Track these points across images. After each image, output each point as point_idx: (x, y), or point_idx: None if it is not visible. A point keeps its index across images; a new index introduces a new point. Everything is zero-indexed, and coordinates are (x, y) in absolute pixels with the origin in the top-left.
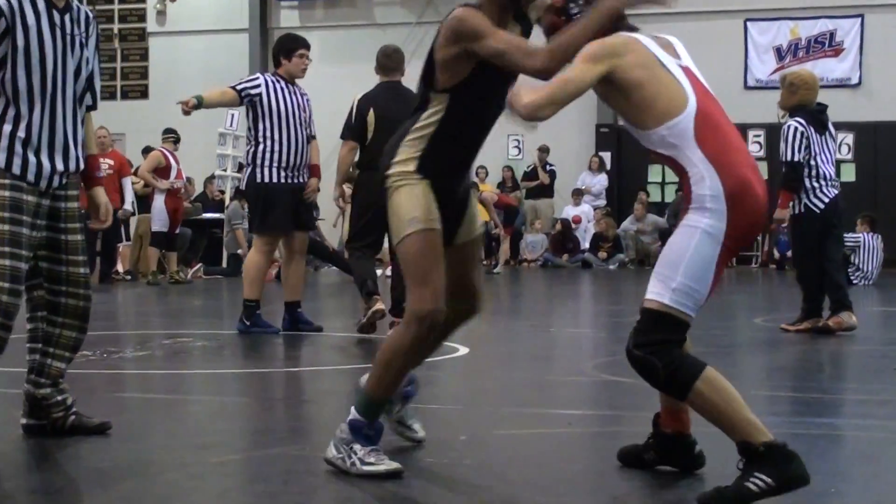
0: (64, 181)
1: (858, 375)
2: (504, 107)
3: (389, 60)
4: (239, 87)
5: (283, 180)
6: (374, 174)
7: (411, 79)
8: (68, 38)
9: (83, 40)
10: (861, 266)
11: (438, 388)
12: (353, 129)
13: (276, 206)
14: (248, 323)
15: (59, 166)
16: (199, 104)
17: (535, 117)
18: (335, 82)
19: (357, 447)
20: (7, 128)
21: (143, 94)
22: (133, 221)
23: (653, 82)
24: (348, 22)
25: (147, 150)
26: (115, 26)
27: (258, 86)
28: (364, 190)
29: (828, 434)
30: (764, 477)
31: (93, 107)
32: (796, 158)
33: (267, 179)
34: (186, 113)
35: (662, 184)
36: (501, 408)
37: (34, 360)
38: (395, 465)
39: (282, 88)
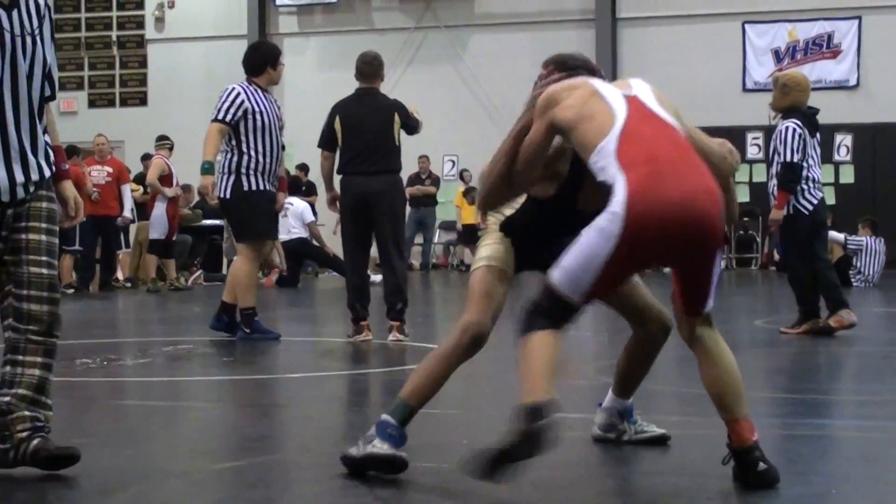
0: (30, 191)
1: (858, 376)
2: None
3: (369, 67)
4: (227, 119)
5: (265, 187)
6: (347, 179)
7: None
8: (18, 39)
9: (36, 36)
10: (863, 269)
11: (439, 392)
12: (323, 138)
13: (262, 212)
14: (248, 330)
15: (19, 177)
16: (211, 168)
17: (520, 189)
18: (334, 88)
19: (376, 441)
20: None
21: (143, 101)
22: (133, 228)
23: (584, 119)
24: (347, 28)
25: (146, 157)
26: (114, 33)
27: (242, 102)
28: (342, 196)
29: (828, 435)
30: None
31: (51, 97)
32: (795, 159)
33: (254, 187)
34: (213, 200)
35: None
36: (501, 412)
37: (5, 371)
38: (401, 454)
39: (261, 98)
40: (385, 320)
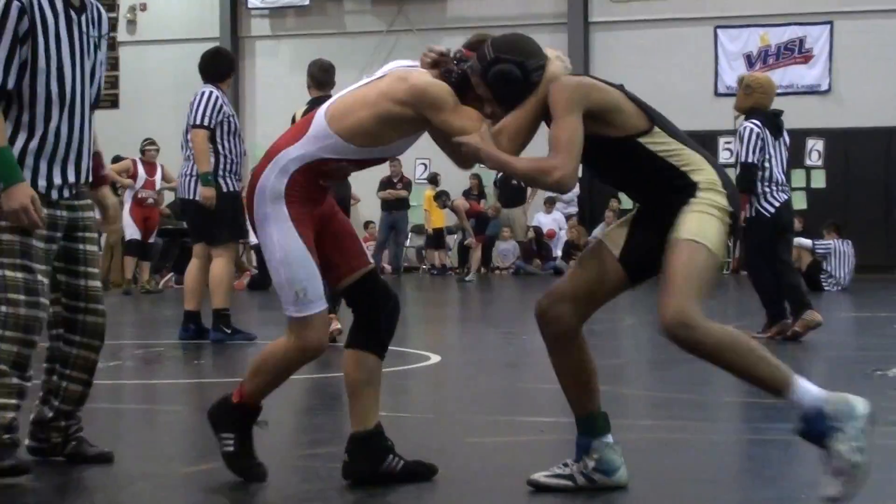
0: (74, 191)
1: (831, 381)
2: None
3: (326, 75)
4: (208, 123)
5: (238, 188)
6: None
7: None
8: (85, 39)
9: (97, 41)
10: (833, 272)
11: (409, 397)
12: None
13: (238, 213)
14: (228, 331)
15: (71, 177)
16: (208, 178)
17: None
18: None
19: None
20: (22, 136)
21: (114, 103)
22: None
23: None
24: (319, 31)
25: (117, 160)
26: None
27: (221, 106)
28: None
29: (798, 440)
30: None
31: (95, 104)
32: (751, 160)
33: (231, 188)
34: (211, 203)
35: None
36: (473, 416)
37: (50, 380)
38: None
39: (229, 102)
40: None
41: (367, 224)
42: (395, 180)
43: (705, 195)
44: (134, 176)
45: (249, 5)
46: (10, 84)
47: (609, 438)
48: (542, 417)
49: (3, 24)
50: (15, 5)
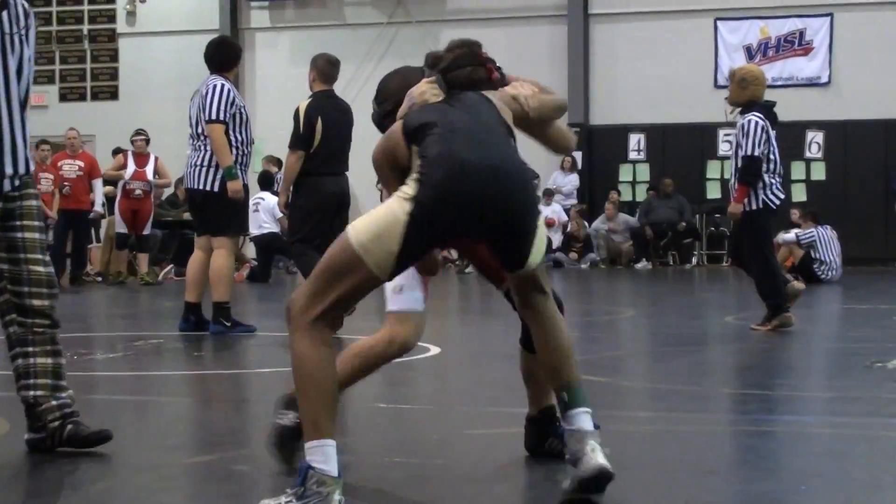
0: (16, 183)
1: (827, 373)
2: None
3: (333, 69)
4: (223, 118)
5: (246, 180)
6: (320, 179)
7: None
8: (7, 37)
9: (23, 37)
10: (823, 258)
11: (410, 388)
12: (302, 139)
13: (245, 206)
14: (228, 324)
15: (9, 170)
16: (233, 171)
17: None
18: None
19: None
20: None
21: (114, 95)
22: (104, 223)
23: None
24: (319, 22)
25: (117, 152)
26: (85, 27)
27: (234, 99)
28: (309, 194)
29: (798, 431)
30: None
31: (25, 100)
32: (756, 152)
33: (243, 180)
34: (240, 196)
35: (633, 183)
36: (473, 407)
37: (17, 365)
38: None
39: (236, 93)
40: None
41: None
42: None
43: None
44: (123, 167)
45: None
46: None
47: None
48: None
49: None
50: None
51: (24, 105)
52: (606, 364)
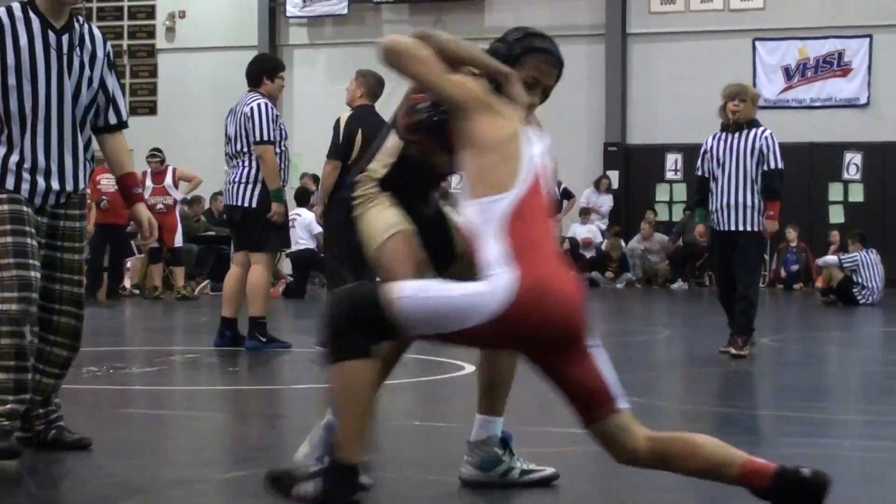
0: (61, 200)
1: (864, 396)
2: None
3: (380, 88)
4: (271, 138)
5: (284, 197)
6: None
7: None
8: (65, 59)
9: (85, 60)
10: (866, 283)
11: (444, 406)
12: (340, 149)
13: (285, 222)
14: (264, 340)
15: (55, 186)
16: (281, 195)
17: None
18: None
19: None
20: (1, 150)
21: (152, 110)
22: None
23: (499, 151)
24: (357, 40)
25: None
26: (125, 42)
27: (277, 117)
28: (342, 209)
29: (834, 455)
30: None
31: (119, 124)
32: (782, 166)
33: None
34: (280, 215)
35: (670, 203)
36: (506, 425)
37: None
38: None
39: (276, 111)
40: None
41: None
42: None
43: None
44: (142, 186)
45: (288, 14)
46: None
47: None
48: (576, 428)
49: None
50: None
51: (81, 127)
52: (641, 384)
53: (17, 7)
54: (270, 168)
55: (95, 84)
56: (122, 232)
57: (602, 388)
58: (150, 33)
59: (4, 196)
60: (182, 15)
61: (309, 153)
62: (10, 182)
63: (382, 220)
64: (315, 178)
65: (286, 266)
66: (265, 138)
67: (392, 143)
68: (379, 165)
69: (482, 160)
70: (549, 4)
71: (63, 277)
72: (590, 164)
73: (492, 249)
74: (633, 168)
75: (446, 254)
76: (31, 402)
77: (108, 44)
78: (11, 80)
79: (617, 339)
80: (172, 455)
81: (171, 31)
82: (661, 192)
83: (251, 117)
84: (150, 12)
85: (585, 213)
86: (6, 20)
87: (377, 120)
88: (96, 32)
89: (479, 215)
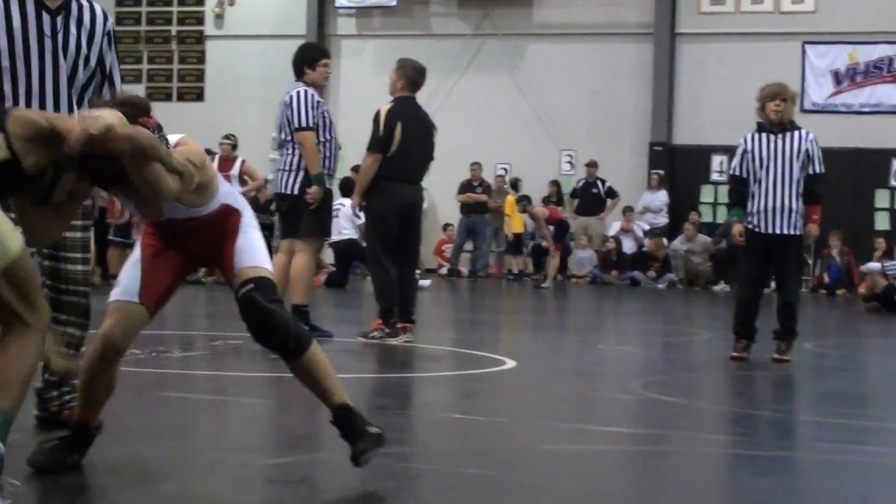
0: None
1: None
2: None
3: (420, 77)
4: (312, 124)
5: (329, 185)
6: (396, 185)
7: (458, 93)
8: (60, 39)
9: (83, 39)
10: None
11: (484, 400)
12: (381, 142)
13: (328, 210)
14: (306, 328)
15: None
16: (322, 178)
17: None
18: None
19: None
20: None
21: (199, 96)
22: None
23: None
24: (404, 32)
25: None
26: (173, 28)
27: (318, 104)
28: (383, 199)
29: (874, 462)
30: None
31: (80, 99)
32: (825, 170)
33: (328, 186)
34: (315, 203)
35: (714, 204)
36: (547, 422)
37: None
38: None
39: (319, 98)
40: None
41: (445, 226)
42: (475, 184)
43: None
44: None
45: (337, 4)
46: None
47: None
48: (615, 427)
49: None
50: None
51: (79, 105)
52: (683, 385)
53: None
54: (310, 153)
55: (93, 63)
56: None
57: None
58: (199, 20)
59: None
60: (231, 2)
61: (354, 144)
62: None
63: (6, 225)
64: (357, 169)
65: (328, 256)
66: (304, 125)
67: None
68: None
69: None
70: (598, 2)
71: (66, 256)
72: (635, 164)
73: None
74: (678, 168)
75: None
76: (45, 382)
77: (110, 20)
78: (5, 63)
79: (658, 339)
80: (211, 440)
81: (219, 17)
82: (706, 194)
83: (290, 105)
84: None
85: (629, 212)
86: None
87: (417, 111)
88: (97, 9)
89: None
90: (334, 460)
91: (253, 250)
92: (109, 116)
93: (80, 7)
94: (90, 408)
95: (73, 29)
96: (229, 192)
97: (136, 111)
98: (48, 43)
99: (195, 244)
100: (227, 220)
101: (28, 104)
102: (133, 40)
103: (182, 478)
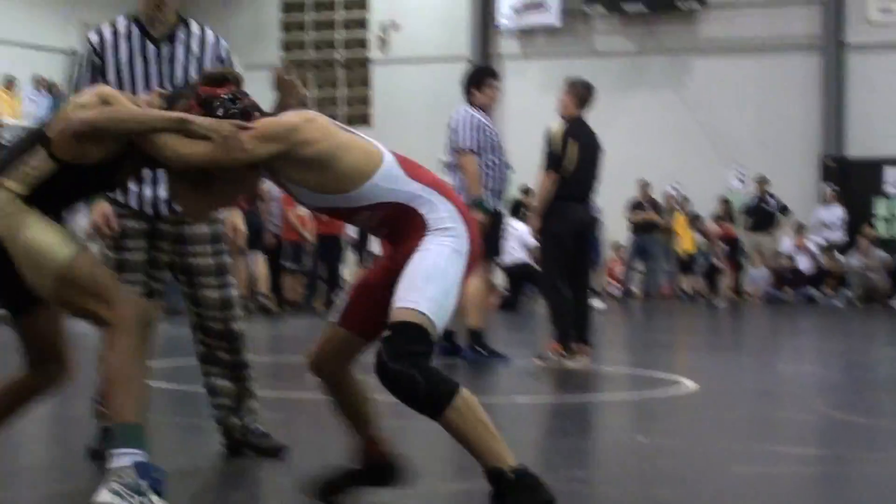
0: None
1: None
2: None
3: (590, 96)
4: (473, 146)
5: (494, 206)
6: (571, 205)
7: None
8: (166, 67)
9: (190, 66)
10: None
11: (666, 422)
12: (557, 160)
13: (498, 232)
14: (483, 351)
15: (162, 195)
16: (482, 203)
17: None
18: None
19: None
20: None
21: (366, 121)
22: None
23: (341, 148)
24: (568, 51)
25: None
26: (339, 53)
27: (479, 125)
28: (559, 220)
29: None
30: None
31: None
32: None
33: (493, 206)
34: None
35: (890, 219)
36: (733, 443)
37: (204, 382)
38: None
39: (485, 118)
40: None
41: (616, 246)
42: (645, 203)
43: None
44: None
45: (499, 25)
46: None
47: None
48: (804, 449)
49: (87, 60)
50: (89, 43)
51: None
52: (869, 405)
53: (121, 22)
54: (470, 176)
55: None
56: (338, 242)
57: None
58: (364, 45)
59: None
60: (395, 27)
61: (520, 166)
62: (118, 194)
63: (54, 235)
64: (527, 191)
65: (499, 279)
66: (462, 146)
67: (40, 159)
68: (21, 183)
69: (335, 164)
70: (763, 15)
71: (200, 282)
72: (805, 178)
73: (420, 199)
74: (850, 182)
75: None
76: (220, 406)
77: (223, 43)
78: None
79: (840, 358)
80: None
81: (384, 42)
82: (880, 207)
83: (453, 127)
84: (364, 24)
85: (800, 229)
86: (108, 37)
87: (588, 130)
88: (208, 34)
89: (382, 187)
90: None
91: (414, 277)
92: (73, 113)
93: (189, 34)
94: (359, 425)
95: (179, 56)
96: (416, 196)
97: (205, 80)
98: (154, 72)
99: (386, 252)
100: (406, 227)
101: None
102: (299, 67)
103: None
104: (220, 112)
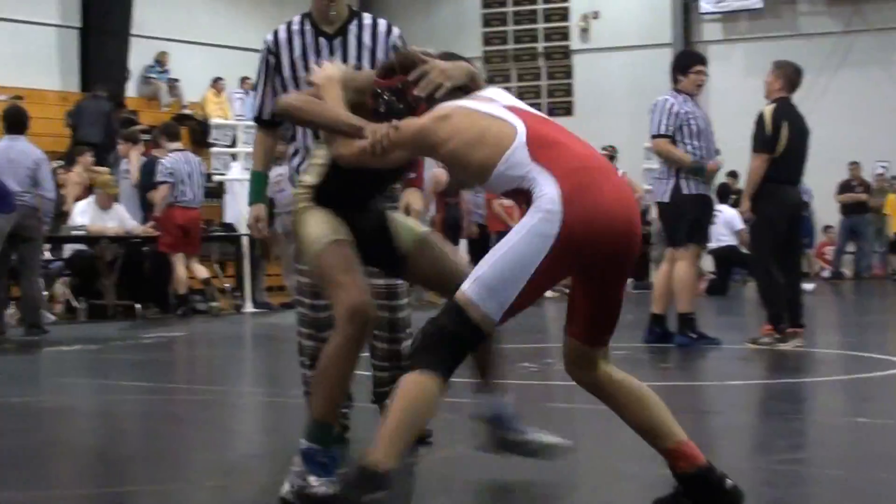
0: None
1: None
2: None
3: (799, 78)
4: (664, 132)
5: (703, 191)
6: (782, 187)
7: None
8: (338, 60)
9: (363, 58)
10: None
11: (882, 403)
12: (768, 142)
13: (705, 217)
14: (693, 336)
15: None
16: (695, 166)
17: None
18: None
19: (312, 479)
20: (297, 159)
21: (568, 111)
22: None
23: (469, 145)
24: (772, 33)
25: None
26: (540, 45)
27: (675, 111)
28: (770, 202)
29: None
30: None
31: None
32: None
33: (695, 191)
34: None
35: None
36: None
37: (371, 375)
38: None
39: (691, 104)
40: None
41: (826, 228)
42: (855, 184)
43: None
44: None
45: (702, 10)
46: (266, 114)
47: None
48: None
49: (262, 59)
50: (265, 43)
51: None
52: None
53: (296, 20)
54: (665, 156)
55: None
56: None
57: (618, 314)
58: (565, 35)
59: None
60: (595, 15)
61: (726, 149)
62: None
63: (319, 228)
64: (735, 175)
65: (707, 263)
66: (654, 132)
67: (321, 151)
68: (312, 175)
69: (472, 158)
70: None
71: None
72: None
73: (535, 183)
74: None
75: (392, 260)
76: (372, 394)
77: (395, 31)
78: (291, 89)
79: None
80: (609, 449)
81: (585, 31)
82: None
83: (651, 113)
84: (564, 14)
85: None
86: (283, 35)
87: (797, 111)
88: (380, 25)
89: (509, 174)
90: (732, 466)
91: (484, 259)
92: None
93: (361, 26)
94: (649, 437)
95: (352, 50)
96: (525, 177)
97: (378, 72)
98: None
99: None
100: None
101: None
102: (501, 59)
103: (590, 486)
104: (382, 108)
